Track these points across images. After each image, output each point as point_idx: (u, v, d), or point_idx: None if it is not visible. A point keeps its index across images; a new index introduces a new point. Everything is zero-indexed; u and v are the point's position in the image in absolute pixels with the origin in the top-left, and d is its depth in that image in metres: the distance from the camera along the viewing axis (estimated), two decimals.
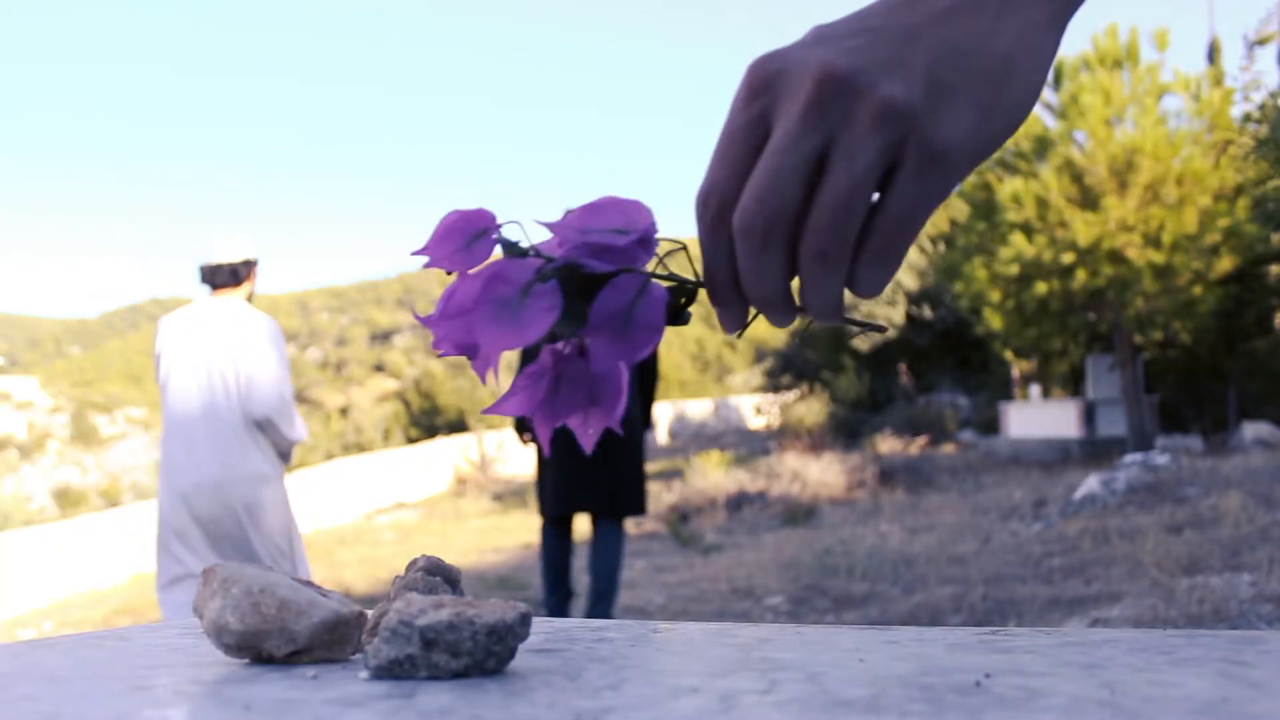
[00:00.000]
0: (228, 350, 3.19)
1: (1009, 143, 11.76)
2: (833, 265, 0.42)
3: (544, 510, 4.23)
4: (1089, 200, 11.04)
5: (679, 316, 0.48)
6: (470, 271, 0.50)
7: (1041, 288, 11.42)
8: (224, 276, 3.29)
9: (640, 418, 4.22)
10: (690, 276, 0.48)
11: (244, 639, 0.50)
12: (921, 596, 4.34)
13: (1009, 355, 14.47)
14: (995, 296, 12.04)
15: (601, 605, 4.13)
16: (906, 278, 18.57)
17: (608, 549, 4.12)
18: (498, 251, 0.50)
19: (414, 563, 0.57)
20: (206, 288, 3.34)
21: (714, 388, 34.52)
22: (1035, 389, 14.09)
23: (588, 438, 0.51)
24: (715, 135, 0.46)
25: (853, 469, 10.65)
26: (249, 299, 3.36)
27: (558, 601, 4.28)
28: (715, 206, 0.43)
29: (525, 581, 5.67)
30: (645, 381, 4.26)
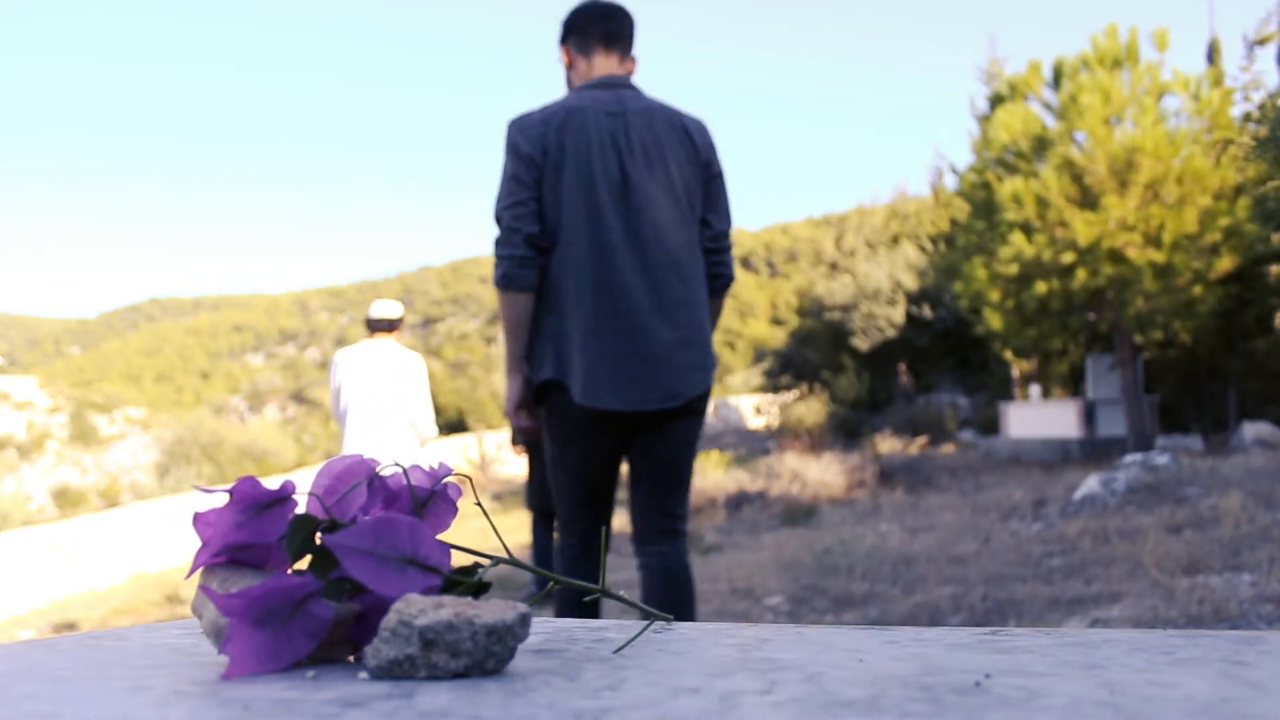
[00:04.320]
0: (394, 376, 4.78)
1: (1009, 142, 11.77)
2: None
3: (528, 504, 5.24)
4: (1089, 200, 11.04)
5: None
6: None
7: (1041, 287, 11.42)
8: (384, 325, 4.91)
9: None
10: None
11: None
12: (921, 596, 4.33)
13: (1009, 355, 14.47)
14: (995, 296, 12.03)
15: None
16: (906, 277, 18.56)
17: None
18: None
19: None
20: (368, 330, 4.99)
21: (714, 388, 34.53)
22: (1035, 389, 14.09)
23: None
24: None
25: (853, 469, 10.65)
26: (397, 339, 5.00)
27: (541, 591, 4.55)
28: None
29: (525, 581, 5.67)
30: None
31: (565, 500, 2.31)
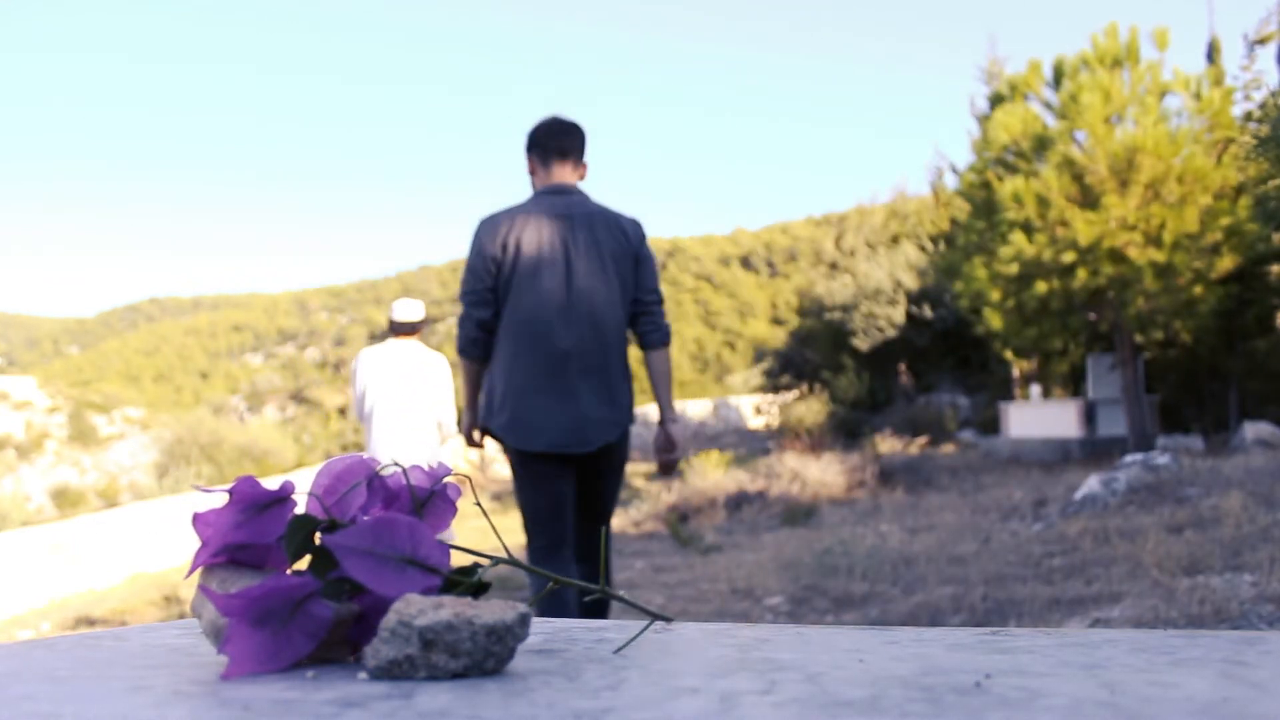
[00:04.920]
0: (414, 377, 4.89)
1: (1009, 142, 11.78)
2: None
3: None
4: (1089, 199, 11.03)
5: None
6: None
7: (1042, 287, 11.41)
8: (407, 328, 5.01)
9: None
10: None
11: None
12: (921, 596, 4.33)
13: (1009, 355, 14.46)
14: (995, 296, 12.03)
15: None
16: (906, 277, 18.55)
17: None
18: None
19: None
20: (391, 332, 5.10)
21: (714, 388, 34.52)
22: (1035, 389, 14.08)
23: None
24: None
25: (853, 469, 10.65)
26: (419, 341, 5.08)
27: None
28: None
29: (524, 582, 5.67)
30: None
31: (528, 517, 2.84)
